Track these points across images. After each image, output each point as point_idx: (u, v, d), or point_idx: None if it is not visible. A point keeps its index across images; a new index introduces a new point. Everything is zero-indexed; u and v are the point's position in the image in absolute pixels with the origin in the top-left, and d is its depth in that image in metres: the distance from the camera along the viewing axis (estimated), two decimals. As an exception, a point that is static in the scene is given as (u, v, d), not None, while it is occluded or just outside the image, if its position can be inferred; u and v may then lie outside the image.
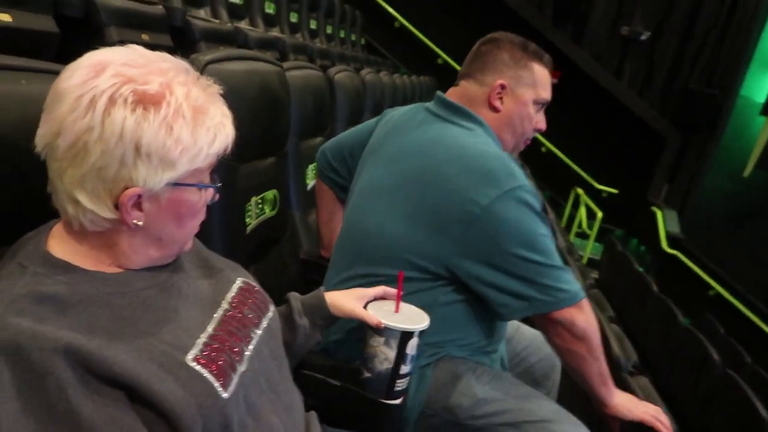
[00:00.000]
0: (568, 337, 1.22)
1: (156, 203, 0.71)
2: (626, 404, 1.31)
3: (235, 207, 1.25)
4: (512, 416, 1.21)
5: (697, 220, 8.08)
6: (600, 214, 6.54)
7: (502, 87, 1.31)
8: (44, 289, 0.65)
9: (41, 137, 0.67)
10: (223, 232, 1.20)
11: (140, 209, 0.70)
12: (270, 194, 1.41)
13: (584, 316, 1.21)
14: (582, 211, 7.09)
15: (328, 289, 1.07)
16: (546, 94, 1.35)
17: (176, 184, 0.70)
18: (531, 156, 7.21)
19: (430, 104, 1.36)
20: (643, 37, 8.24)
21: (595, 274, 5.21)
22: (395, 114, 1.45)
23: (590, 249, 6.83)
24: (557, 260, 1.19)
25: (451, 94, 1.35)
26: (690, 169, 8.36)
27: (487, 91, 1.31)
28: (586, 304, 1.23)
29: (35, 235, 0.73)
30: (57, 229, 0.73)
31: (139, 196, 0.69)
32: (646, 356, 3.32)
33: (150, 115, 0.66)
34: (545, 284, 1.17)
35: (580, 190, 7.39)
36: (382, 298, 1.06)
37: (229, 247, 1.19)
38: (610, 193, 8.04)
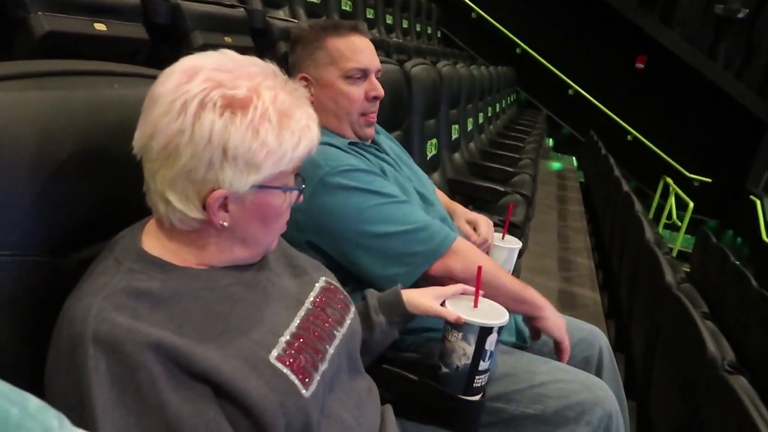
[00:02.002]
0: (453, 282, 1.15)
1: (241, 205, 0.73)
2: (558, 321, 1.22)
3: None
4: (501, 388, 1.17)
5: (803, 209, 7.49)
6: (691, 205, 6.20)
7: (304, 80, 1.25)
8: (139, 284, 0.69)
9: (138, 139, 0.71)
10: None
11: (226, 210, 0.73)
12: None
13: (460, 260, 1.15)
14: (671, 202, 6.75)
15: None
16: (352, 63, 1.25)
17: (261, 187, 0.72)
18: (615, 145, 6.95)
19: None
20: (740, 15, 7.71)
21: (686, 268, 4.95)
22: None
23: (680, 241, 6.49)
24: (404, 220, 1.15)
25: None
26: (794, 154, 7.77)
27: None
28: (458, 246, 1.17)
29: (130, 232, 0.77)
30: (150, 226, 0.77)
31: (225, 198, 0.71)
32: (745, 355, 3.12)
33: (237, 119, 0.68)
34: (400, 253, 1.14)
35: (669, 180, 7.03)
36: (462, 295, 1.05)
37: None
38: (702, 182, 7.61)
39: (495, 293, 1.11)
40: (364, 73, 1.26)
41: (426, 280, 1.18)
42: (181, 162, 0.68)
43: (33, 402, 0.49)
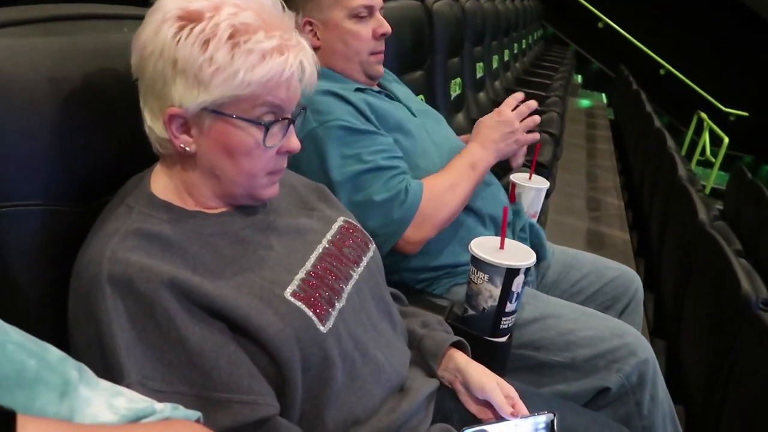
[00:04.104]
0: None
1: (200, 129, 0.71)
2: (489, 149, 1.22)
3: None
4: (529, 335, 1.16)
5: (844, 142, 7.21)
6: (726, 140, 6.00)
7: (309, 24, 1.20)
8: (150, 227, 0.69)
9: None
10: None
11: (190, 135, 0.71)
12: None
13: (429, 224, 1.12)
14: (705, 137, 6.54)
15: None
16: (358, 0, 1.20)
17: (215, 112, 0.69)
18: (647, 80, 6.71)
19: None
20: (782, -65, 7.24)
21: (719, 205, 4.84)
22: None
23: (714, 178, 6.32)
24: (376, 190, 1.09)
25: None
26: (837, 84, 7.41)
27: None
28: (426, 205, 1.11)
29: (139, 177, 0.77)
30: (157, 168, 0.77)
31: (186, 121, 0.70)
32: (779, 292, 3.08)
33: (186, 31, 0.66)
34: (372, 223, 1.07)
35: (703, 115, 6.79)
36: None
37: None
38: (738, 116, 7.34)
39: (460, 205, 1.18)
40: (370, 11, 1.23)
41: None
42: (146, 75, 0.69)
43: (53, 353, 0.49)
